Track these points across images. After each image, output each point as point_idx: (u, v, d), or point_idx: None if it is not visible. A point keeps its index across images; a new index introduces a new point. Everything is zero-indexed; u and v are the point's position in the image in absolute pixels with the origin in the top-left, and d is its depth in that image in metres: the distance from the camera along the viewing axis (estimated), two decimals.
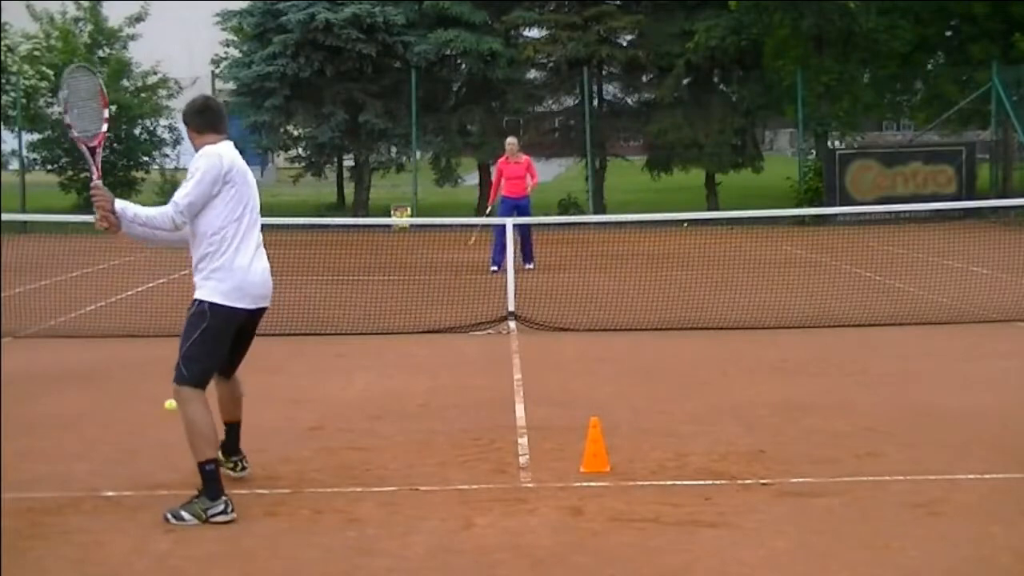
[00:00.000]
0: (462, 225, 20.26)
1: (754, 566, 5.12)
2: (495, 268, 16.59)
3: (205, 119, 6.14)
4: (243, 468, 6.50)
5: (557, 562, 5.19)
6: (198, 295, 5.98)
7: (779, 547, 5.33)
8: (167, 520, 5.78)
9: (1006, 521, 5.66)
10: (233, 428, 6.47)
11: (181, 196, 5.92)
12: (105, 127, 6.35)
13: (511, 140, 18.28)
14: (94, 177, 6.09)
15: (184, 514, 5.78)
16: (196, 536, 5.57)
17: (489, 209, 18.02)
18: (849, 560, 5.17)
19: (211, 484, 5.82)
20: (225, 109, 6.40)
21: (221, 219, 5.94)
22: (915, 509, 5.86)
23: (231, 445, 6.47)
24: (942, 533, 5.52)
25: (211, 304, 5.92)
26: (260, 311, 6.20)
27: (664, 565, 5.15)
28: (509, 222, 13.59)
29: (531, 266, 17.21)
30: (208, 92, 28.80)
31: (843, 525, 5.63)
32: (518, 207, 17.27)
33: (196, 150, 6.09)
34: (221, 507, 5.78)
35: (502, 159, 18.12)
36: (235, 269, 5.95)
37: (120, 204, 6.02)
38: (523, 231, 17.43)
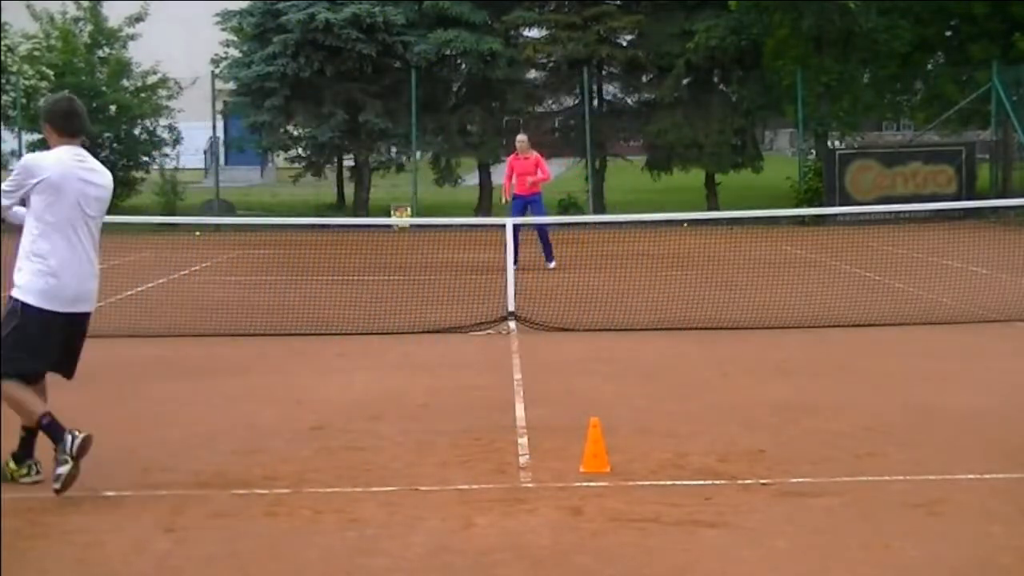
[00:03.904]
0: (462, 225, 20.27)
1: (754, 566, 5.12)
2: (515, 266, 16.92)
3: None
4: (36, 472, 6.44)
5: (557, 562, 5.19)
6: None
7: (779, 547, 5.33)
8: (56, 489, 6.02)
9: (1006, 521, 5.66)
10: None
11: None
12: None
13: (521, 137, 18.39)
14: None
15: (59, 469, 6.03)
16: (196, 536, 5.57)
17: (504, 200, 18.11)
18: (849, 560, 5.17)
19: (53, 432, 6.12)
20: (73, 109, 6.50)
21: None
22: (915, 509, 5.85)
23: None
24: (942, 533, 5.52)
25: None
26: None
27: (664, 565, 5.15)
28: (509, 222, 13.62)
29: (552, 264, 17.24)
30: (208, 92, 28.88)
31: (843, 525, 5.63)
32: (530, 204, 17.38)
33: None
34: (69, 438, 6.05)
35: (512, 155, 18.20)
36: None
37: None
38: (538, 230, 17.49)
